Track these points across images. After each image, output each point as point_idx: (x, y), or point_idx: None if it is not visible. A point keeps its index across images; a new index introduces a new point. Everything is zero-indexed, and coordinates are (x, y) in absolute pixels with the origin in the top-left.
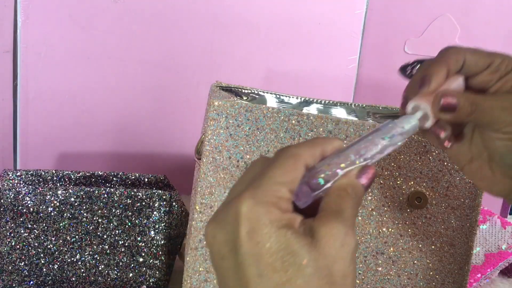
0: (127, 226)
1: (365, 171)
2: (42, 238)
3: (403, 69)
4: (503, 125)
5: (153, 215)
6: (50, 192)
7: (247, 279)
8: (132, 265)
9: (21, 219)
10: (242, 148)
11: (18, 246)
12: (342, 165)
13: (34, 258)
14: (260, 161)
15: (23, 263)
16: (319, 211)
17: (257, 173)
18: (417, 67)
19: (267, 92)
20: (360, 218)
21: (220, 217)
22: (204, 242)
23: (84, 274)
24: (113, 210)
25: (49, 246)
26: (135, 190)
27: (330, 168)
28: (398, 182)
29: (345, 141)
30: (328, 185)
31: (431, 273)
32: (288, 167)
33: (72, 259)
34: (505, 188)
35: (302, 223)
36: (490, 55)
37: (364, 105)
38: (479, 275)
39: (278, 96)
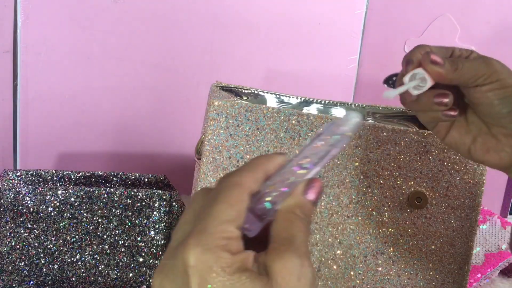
0: (127, 226)
1: (311, 185)
2: (42, 238)
3: (387, 81)
4: (485, 77)
5: (153, 215)
6: (50, 192)
7: None
8: (132, 265)
9: (21, 219)
10: (242, 148)
11: (18, 246)
12: (287, 181)
13: (34, 258)
14: (201, 195)
15: (23, 263)
16: (270, 241)
17: (201, 211)
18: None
19: (267, 92)
20: (360, 218)
21: (167, 269)
22: None
23: (84, 274)
24: (113, 210)
25: (49, 246)
26: (135, 190)
27: (275, 188)
28: (398, 182)
29: None
30: (277, 206)
31: (431, 273)
32: (231, 200)
33: (72, 259)
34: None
35: (255, 260)
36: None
37: (364, 105)
38: (479, 275)
39: (278, 96)
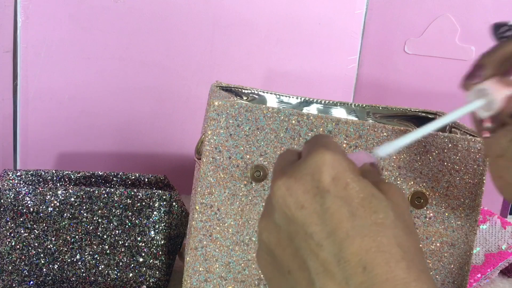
0: (127, 226)
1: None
2: (42, 238)
3: (497, 28)
4: None
5: (153, 215)
6: (50, 192)
7: (338, 220)
8: (132, 265)
9: (21, 219)
10: (242, 148)
11: (18, 246)
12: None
13: (34, 258)
14: (288, 152)
15: (23, 263)
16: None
17: (302, 151)
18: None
19: (267, 92)
20: None
21: (293, 170)
22: (209, 238)
23: (84, 274)
24: (113, 210)
25: (49, 246)
26: (135, 190)
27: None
28: (398, 182)
29: (344, 141)
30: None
31: (431, 273)
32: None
33: (72, 259)
34: None
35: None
36: None
37: (364, 105)
38: (479, 275)
39: (278, 96)
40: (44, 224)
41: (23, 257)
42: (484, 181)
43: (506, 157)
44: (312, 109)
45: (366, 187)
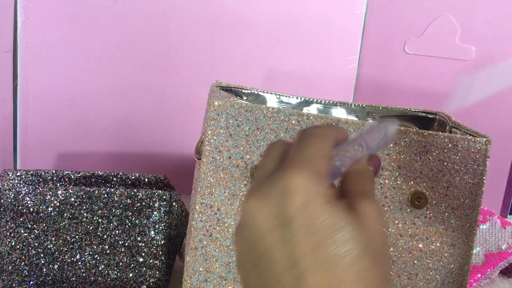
0: (127, 226)
1: (372, 160)
2: (42, 238)
3: None
4: None
5: (153, 215)
6: (50, 192)
7: (301, 252)
8: (132, 265)
9: (21, 219)
10: (242, 148)
11: (18, 246)
12: (351, 152)
13: (34, 258)
14: (278, 144)
15: (23, 263)
16: (346, 193)
17: (288, 152)
18: None
19: (267, 92)
20: None
21: (265, 191)
22: (209, 238)
23: (84, 274)
24: (113, 210)
25: (49, 246)
26: (135, 190)
27: (343, 154)
28: (398, 182)
29: None
30: (344, 168)
31: (431, 273)
32: (320, 144)
33: (72, 259)
34: None
35: (339, 200)
36: None
37: (364, 105)
38: (479, 275)
39: (278, 96)
40: (44, 224)
41: (23, 257)
42: (484, 181)
43: None
44: (312, 109)
45: (334, 218)
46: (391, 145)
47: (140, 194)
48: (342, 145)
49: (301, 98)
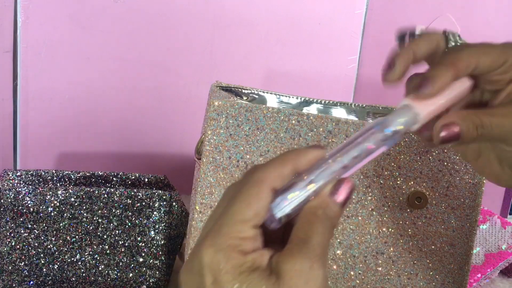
0: (127, 226)
1: (340, 185)
2: (42, 238)
3: (401, 39)
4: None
5: (153, 215)
6: (50, 192)
7: None
8: (132, 265)
9: (21, 219)
10: (242, 148)
11: (18, 246)
12: (316, 178)
13: (34, 258)
14: (230, 190)
15: (23, 263)
16: (288, 242)
17: (224, 207)
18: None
19: (267, 92)
20: (360, 218)
21: (189, 267)
22: None
23: (84, 274)
24: (113, 210)
25: (49, 246)
26: (135, 190)
27: (302, 185)
28: (398, 182)
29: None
30: (301, 205)
31: (431, 273)
32: (250, 198)
33: (72, 259)
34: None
35: (271, 260)
36: (503, 54)
37: (364, 105)
38: (479, 275)
39: (278, 96)
40: (44, 224)
41: (23, 257)
42: (484, 181)
43: (484, 156)
44: (312, 109)
45: None
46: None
47: (140, 194)
48: (306, 171)
49: (301, 98)
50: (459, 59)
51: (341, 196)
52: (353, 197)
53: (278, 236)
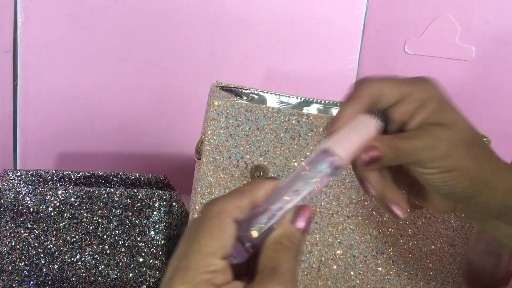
0: (127, 226)
1: (300, 212)
2: (42, 238)
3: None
4: (428, 162)
5: (153, 215)
6: (50, 192)
7: None
8: (132, 265)
9: (21, 219)
10: (242, 148)
11: (18, 246)
12: (275, 209)
13: (34, 258)
14: (191, 225)
15: (23, 263)
16: (257, 272)
17: (188, 243)
18: None
19: (267, 92)
20: (360, 218)
21: None
22: None
23: (84, 274)
24: (113, 210)
25: (49, 246)
26: (135, 190)
27: (262, 217)
28: None
29: None
30: (263, 235)
31: (431, 273)
32: (214, 231)
33: (72, 259)
34: (450, 207)
35: None
36: (406, 84)
37: None
38: None
39: (278, 96)
40: (44, 224)
41: (23, 257)
42: None
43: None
44: (312, 109)
45: None
46: None
47: (140, 194)
48: (265, 202)
49: (301, 98)
50: (362, 90)
51: (302, 223)
52: (353, 197)
53: (241, 270)
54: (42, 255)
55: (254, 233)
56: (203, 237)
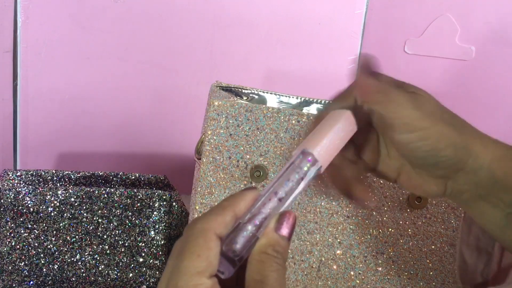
0: (127, 226)
1: (283, 219)
2: (42, 238)
3: None
4: (401, 123)
5: (153, 215)
6: (50, 192)
7: None
8: (132, 265)
9: (21, 219)
10: (242, 148)
11: (18, 246)
12: (257, 218)
13: (34, 258)
14: (176, 246)
15: (23, 263)
16: (245, 287)
17: (174, 264)
18: None
19: (267, 92)
20: (360, 218)
21: None
22: None
23: (84, 274)
24: (113, 210)
25: (49, 246)
26: (135, 190)
27: (245, 228)
28: None
29: None
30: (248, 246)
31: (431, 273)
32: (198, 249)
33: (72, 259)
34: (440, 188)
35: None
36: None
37: None
38: None
39: (278, 96)
40: (44, 224)
41: (23, 257)
42: None
43: (402, 171)
44: (312, 109)
45: None
46: None
47: (140, 194)
48: (246, 214)
49: (301, 98)
50: (350, 88)
51: (286, 229)
52: None
53: (233, 283)
54: (42, 255)
55: (239, 246)
56: (189, 257)
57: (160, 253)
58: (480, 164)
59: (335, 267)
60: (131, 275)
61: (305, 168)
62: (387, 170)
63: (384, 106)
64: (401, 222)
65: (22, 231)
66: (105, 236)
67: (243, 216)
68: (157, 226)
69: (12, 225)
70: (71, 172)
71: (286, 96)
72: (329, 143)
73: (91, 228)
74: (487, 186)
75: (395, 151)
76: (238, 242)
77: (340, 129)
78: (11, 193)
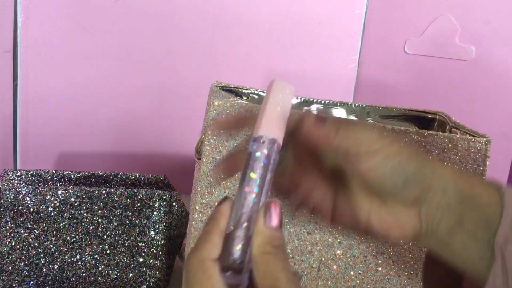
0: (127, 226)
1: (268, 210)
2: (42, 238)
3: None
4: (369, 141)
5: (153, 215)
6: (50, 192)
7: None
8: (132, 265)
9: (21, 219)
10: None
11: (18, 246)
12: (242, 220)
13: (34, 258)
14: (183, 286)
15: (23, 263)
16: None
17: None
18: None
19: None
20: None
21: None
22: None
23: (84, 274)
24: (113, 210)
25: (49, 246)
26: (135, 190)
27: (235, 236)
28: None
29: None
30: (245, 249)
31: None
32: (203, 282)
33: (72, 259)
34: (414, 220)
35: None
36: None
37: (364, 105)
38: None
39: None
40: (44, 224)
41: (23, 257)
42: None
43: (371, 211)
44: (312, 109)
45: None
46: None
47: (140, 194)
48: (229, 223)
49: (301, 98)
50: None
51: (275, 220)
52: None
53: None
54: (42, 255)
55: (237, 254)
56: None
57: (160, 253)
58: (445, 181)
59: (335, 267)
60: (131, 275)
61: (265, 151)
62: (358, 214)
63: (345, 139)
64: None
65: (22, 231)
66: (105, 236)
67: (228, 227)
68: (157, 226)
69: (12, 225)
70: (71, 172)
71: None
72: (269, 116)
73: (91, 228)
74: (459, 207)
75: (360, 189)
76: (234, 252)
77: (275, 99)
78: (11, 193)
